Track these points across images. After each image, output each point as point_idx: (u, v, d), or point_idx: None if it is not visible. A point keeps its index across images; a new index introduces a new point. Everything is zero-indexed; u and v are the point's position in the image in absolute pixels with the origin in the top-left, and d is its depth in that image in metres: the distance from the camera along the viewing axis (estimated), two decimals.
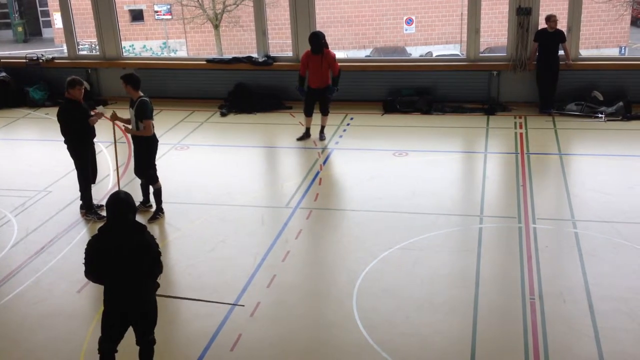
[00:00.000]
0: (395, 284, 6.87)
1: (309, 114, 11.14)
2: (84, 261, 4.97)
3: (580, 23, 12.57)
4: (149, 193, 8.61)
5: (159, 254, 5.08)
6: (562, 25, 12.34)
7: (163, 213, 8.48)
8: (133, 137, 8.29)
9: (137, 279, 4.98)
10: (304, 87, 11.10)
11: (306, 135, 11.23)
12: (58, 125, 8.35)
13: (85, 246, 5.00)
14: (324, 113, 11.15)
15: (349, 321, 6.25)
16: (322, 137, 11.20)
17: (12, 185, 9.71)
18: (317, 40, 10.71)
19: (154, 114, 8.30)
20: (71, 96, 8.17)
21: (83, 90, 8.27)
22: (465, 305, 6.43)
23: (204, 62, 14.11)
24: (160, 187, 8.44)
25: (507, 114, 12.36)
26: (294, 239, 7.87)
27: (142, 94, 8.13)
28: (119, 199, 4.93)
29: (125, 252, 4.87)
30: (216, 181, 9.69)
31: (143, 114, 8.01)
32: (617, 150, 10.57)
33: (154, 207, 8.55)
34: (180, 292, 6.86)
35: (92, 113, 8.36)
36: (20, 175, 10.11)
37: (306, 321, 6.35)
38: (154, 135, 8.29)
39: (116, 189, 9.41)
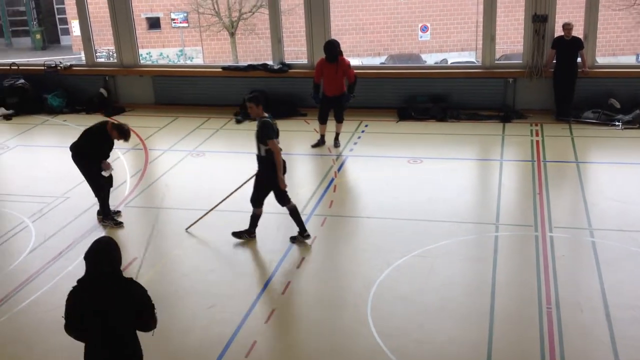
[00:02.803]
0: (410, 291, 6.85)
1: (323, 121, 11.17)
2: (63, 314, 4.38)
3: (597, 30, 12.51)
4: (255, 222, 7.96)
5: (152, 307, 4.43)
6: (578, 32, 12.29)
7: (250, 236, 7.94)
8: (259, 160, 7.72)
9: (118, 339, 4.33)
10: (319, 94, 11.12)
11: (321, 142, 11.25)
12: (76, 133, 8.41)
13: (66, 298, 4.38)
14: (339, 120, 11.17)
15: (363, 328, 6.25)
16: (336, 144, 11.22)
17: (30, 192, 9.80)
18: (332, 49, 10.73)
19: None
20: (111, 132, 8.21)
21: (119, 139, 8.30)
22: (481, 314, 6.40)
23: (220, 70, 14.19)
24: (260, 215, 7.89)
25: (523, 121, 12.31)
26: (309, 246, 7.87)
27: (266, 114, 7.61)
28: (96, 249, 4.31)
29: (103, 309, 4.23)
30: (232, 187, 9.70)
31: (265, 135, 7.46)
32: (635, 158, 10.49)
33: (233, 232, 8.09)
34: (196, 298, 6.88)
35: (104, 166, 8.31)
36: (38, 182, 10.20)
37: (321, 328, 6.36)
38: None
39: (132, 195, 9.54)
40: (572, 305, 6.44)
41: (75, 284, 4.30)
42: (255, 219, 7.94)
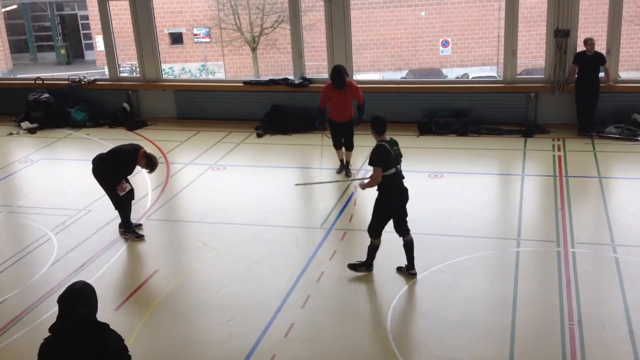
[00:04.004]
0: (430, 306, 6.81)
1: (339, 146, 10.62)
2: None
3: (620, 45, 12.43)
4: (373, 254, 7.40)
5: (129, 358, 4.11)
6: (601, 47, 12.21)
7: (367, 269, 7.39)
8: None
9: None
10: (324, 120, 10.52)
11: (342, 167, 10.73)
12: (99, 146, 8.51)
13: (38, 351, 4.06)
14: (349, 148, 10.59)
15: (383, 343, 6.21)
16: (348, 173, 10.63)
17: (53, 204, 9.91)
18: (340, 75, 10.16)
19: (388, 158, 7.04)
20: (140, 159, 8.31)
21: (144, 168, 8.43)
22: (502, 330, 6.34)
23: (241, 84, 14.29)
24: (377, 246, 7.32)
25: (545, 136, 12.23)
26: (328, 260, 7.86)
27: (387, 137, 7.12)
28: (70, 291, 3.99)
29: (77, 357, 3.92)
30: (252, 201, 9.76)
31: (371, 160, 7.00)
32: None
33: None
34: (214, 312, 6.90)
35: (121, 186, 8.36)
36: (61, 195, 10.32)
37: (340, 343, 6.33)
38: (394, 187, 7.08)
39: (154, 209, 9.61)
40: (595, 322, 6.36)
41: (48, 334, 3.98)
42: (373, 250, 7.35)
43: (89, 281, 7.48)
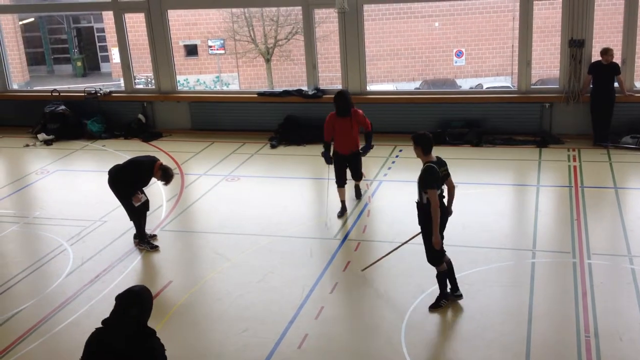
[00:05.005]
0: (445, 318, 6.78)
1: (341, 184, 9.55)
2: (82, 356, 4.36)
3: (635, 55, 12.36)
4: (444, 282, 7.04)
5: None
6: (616, 57, 12.15)
7: (446, 300, 6.98)
8: (418, 207, 6.87)
9: None
10: (330, 153, 9.59)
11: (344, 210, 9.58)
12: (114, 158, 8.57)
13: (87, 340, 4.37)
14: (357, 179, 9.86)
15: (397, 355, 6.19)
16: (358, 194, 10.06)
17: (68, 215, 9.99)
18: (345, 101, 9.23)
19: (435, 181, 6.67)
20: (156, 171, 8.34)
21: (160, 180, 8.46)
22: (518, 342, 6.29)
23: (255, 95, 14.35)
24: (444, 271, 6.93)
25: (560, 146, 12.17)
26: (342, 271, 7.85)
27: (434, 158, 6.74)
28: (128, 291, 4.27)
29: (119, 355, 4.15)
30: (266, 212, 9.78)
31: (424, 183, 6.65)
32: None
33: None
34: (229, 322, 6.90)
35: (136, 197, 8.41)
36: (77, 206, 10.39)
37: (354, 354, 6.31)
38: (439, 206, 6.72)
39: (168, 220, 9.65)
40: (611, 334, 6.30)
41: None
42: (442, 279, 6.96)
43: (103, 293, 7.58)
